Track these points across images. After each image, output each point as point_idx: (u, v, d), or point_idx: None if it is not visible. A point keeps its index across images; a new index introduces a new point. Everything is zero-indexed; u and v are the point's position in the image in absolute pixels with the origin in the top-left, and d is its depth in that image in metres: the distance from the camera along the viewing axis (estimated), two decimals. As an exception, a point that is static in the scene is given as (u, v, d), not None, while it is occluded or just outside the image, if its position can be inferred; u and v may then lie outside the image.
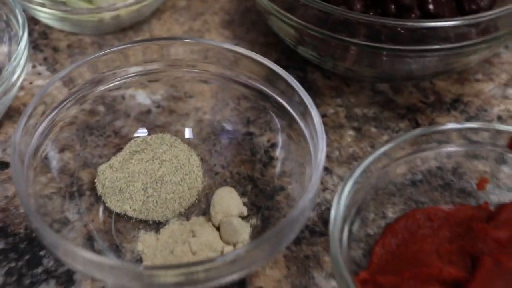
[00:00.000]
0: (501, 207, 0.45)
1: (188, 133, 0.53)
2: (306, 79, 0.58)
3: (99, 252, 0.46)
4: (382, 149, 0.46)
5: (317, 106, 0.47)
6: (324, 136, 0.45)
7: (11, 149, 0.44)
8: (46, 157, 0.49)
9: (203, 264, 0.40)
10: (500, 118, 0.56)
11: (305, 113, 0.47)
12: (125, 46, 0.50)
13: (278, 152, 0.51)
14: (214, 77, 0.52)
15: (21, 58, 0.51)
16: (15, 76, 0.52)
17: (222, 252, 0.47)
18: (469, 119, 0.56)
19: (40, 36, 0.62)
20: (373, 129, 0.55)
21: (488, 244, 0.43)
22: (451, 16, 0.53)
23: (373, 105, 0.57)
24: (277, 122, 0.51)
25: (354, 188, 0.45)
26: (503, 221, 0.44)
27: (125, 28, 0.62)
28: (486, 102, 0.57)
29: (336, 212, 0.43)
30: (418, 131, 0.48)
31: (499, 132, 0.48)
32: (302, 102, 0.47)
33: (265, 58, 0.49)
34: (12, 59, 0.51)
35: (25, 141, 0.46)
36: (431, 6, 0.53)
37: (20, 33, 0.53)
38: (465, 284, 0.42)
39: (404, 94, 0.58)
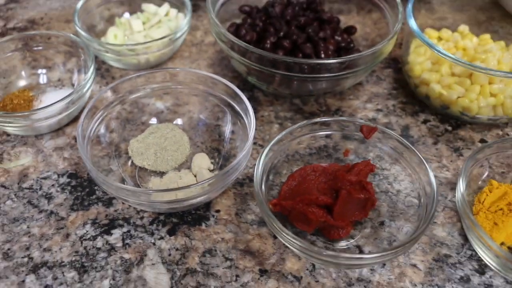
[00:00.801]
0: (354, 164, 0.46)
1: (182, 123, 0.55)
2: (253, 96, 0.60)
3: (127, 188, 0.48)
4: (288, 130, 0.48)
5: (258, 111, 0.49)
6: (254, 122, 0.47)
7: (77, 129, 0.46)
8: (99, 135, 0.50)
9: (183, 188, 0.42)
10: (361, 119, 0.57)
11: (246, 112, 0.49)
12: (150, 71, 0.52)
13: (232, 135, 0.52)
14: (201, 92, 0.53)
15: (89, 78, 0.54)
16: (86, 88, 0.53)
17: (196, 188, 0.48)
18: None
19: (105, 71, 0.63)
20: (289, 124, 0.56)
21: (345, 183, 0.44)
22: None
23: (290, 111, 0.58)
24: (233, 119, 0.52)
25: (270, 153, 0.47)
26: (354, 172, 0.45)
27: (153, 67, 0.64)
28: (354, 111, 0.58)
29: (258, 165, 0.45)
30: (312, 120, 0.49)
31: (359, 124, 0.50)
32: (246, 107, 0.49)
33: (230, 83, 0.51)
34: (85, 78, 0.53)
35: (86, 125, 0.48)
36: (322, 55, 0.55)
37: (90, 65, 0.54)
38: (332, 206, 0.45)
39: (309, 105, 0.59)
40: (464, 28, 0.64)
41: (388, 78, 0.63)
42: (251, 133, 0.46)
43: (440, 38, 0.63)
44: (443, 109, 0.57)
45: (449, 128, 0.57)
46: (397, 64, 0.65)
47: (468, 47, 0.60)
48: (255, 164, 0.52)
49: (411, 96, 0.60)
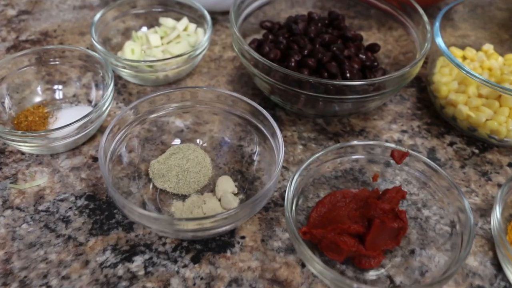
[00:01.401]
0: (385, 191, 0.46)
1: (204, 143, 0.53)
2: (275, 115, 0.58)
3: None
4: (316, 155, 0.46)
5: (280, 131, 0.47)
6: (283, 147, 0.45)
7: (99, 148, 0.44)
8: (120, 155, 0.48)
9: (209, 218, 0.40)
10: (386, 141, 0.56)
11: (274, 134, 0.47)
12: (170, 91, 0.50)
13: (256, 157, 0.51)
14: (221, 111, 0.52)
15: (108, 96, 0.52)
16: (105, 106, 0.52)
17: (221, 214, 0.47)
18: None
19: (122, 87, 0.61)
20: (313, 145, 0.55)
21: (378, 212, 0.43)
22: (359, 79, 0.54)
23: (314, 131, 0.57)
24: (257, 139, 0.50)
25: (299, 178, 0.45)
26: (386, 199, 0.44)
27: (171, 83, 0.62)
28: (379, 132, 0.57)
29: (289, 190, 0.44)
30: (338, 145, 0.48)
31: (386, 147, 0.49)
32: (271, 128, 0.47)
33: (252, 101, 0.49)
34: (104, 97, 0.51)
35: (108, 145, 0.46)
36: (348, 75, 0.54)
37: (109, 82, 0.53)
38: (364, 236, 0.43)
39: (332, 125, 0.57)
40: (488, 47, 0.63)
41: (411, 97, 0.62)
42: (280, 157, 0.44)
43: (464, 57, 0.61)
44: (470, 131, 0.56)
45: (476, 151, 0.56)
46: (420, 83, 0.63)
47: (494, 67, 0.59)
48: (279, 187, 0.51)
49: (435, 116, 0.59)
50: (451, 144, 0.56)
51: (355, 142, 0.48)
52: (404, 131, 0.57)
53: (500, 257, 0.45)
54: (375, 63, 0.58)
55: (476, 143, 0.56)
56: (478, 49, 0.64)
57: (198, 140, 0.53)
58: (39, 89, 0.58)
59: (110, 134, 0.46)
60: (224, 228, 0.42)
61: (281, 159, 0.44)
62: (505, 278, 0.45)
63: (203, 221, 0.40)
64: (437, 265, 0.44)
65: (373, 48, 0.60)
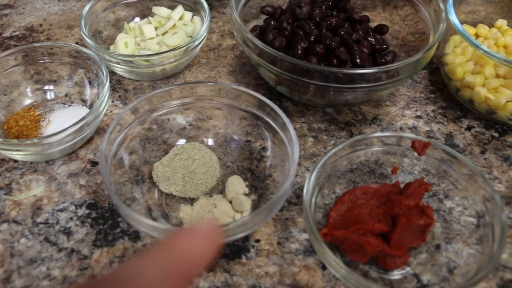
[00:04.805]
0: (407, 185, 0.43)
1: (209, 141, 0.50)
2: (282, 107, 0.55)
3: (155, 219, 0.44)
4: (332, 151, 0.44)
5: (289, 123, 0.45)
6: (297, 143, 0.42)
7: (100, 153, 0.42)
8: (121, 158, 0.45)
9: (222, 227, 0.37)
10: (401, 129, 0.53)
11: (284, 127, 0.44)
12: (169, 88, 0.47)
13: (267, 153, 0.48)
14: (225, 106, 0.49)
15: (105, 96, 0.48)
16: (101, 107, 0.48)
17: (233, 218, 0.44)
18: (383, 130, 0.53)
19: (117, 83, 0.58)
20: (325, 137, 0.52)
21: (402, 209, 0.40)
22: (370, 66, 0.51)
23: (324, 122, 0.54)
24: (266, 133, 0.47)
25: (317, 176, 0.42)
26: (410, 194, 0.42)
27: (168, 76, 0.59)
28: (392, 119, 0.54)
29: (307, 190, 0.41)
30: (353, 139, 0.45)
31: (401, 137, 0.46)
32: (282, 121, 0.44)
33: (257, 93, 0.46)
34: (100, 97, 0.48)
35: (108, 148, 0.43)
36: (358, 60, 0.50)
37: (104, 81, 0.50)
38: (388, 235, 0.41)
39: (343, 115, 0.55)
40: (502, 22, 0.59)
41: (424, 80, 0.58)
42: (295, 153, 0.41)
43: (477, 35, 0.58)
44: (489, 114, 0.53)
45: (496, 134, 0.53)
46: (431, 65, 0.60)
47: (509, 44, 0.56)
48: (293, 184, 0.48)
49: (450, 99, 0.56)
50: (468, 128, 0.53)
51: (370, 135, 0.45)
52: (418, 117, 0.54)
53: (531, 248, 0.42)
54: (384, 46, 0.55)
55: (495, 126, 0.54)
56: (490, 25, 0.60)
57: (202, 138, 0.50)
58: (28, 90, 0.54)
59: (110, 136, 0.43)
60: (237, 236, 0.39)
61: (296, 155, 0.41)
62: (536, 270, 0.42)
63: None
64: (466, 261, 0.41)
65: (382, 29, 0.57)
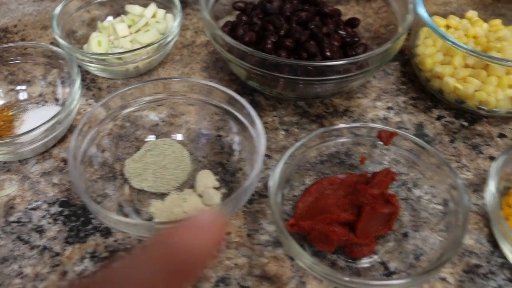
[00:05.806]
0: (374, 174, 0.44)
1: (181, 137, 0.50)
2: (254, 101, 0.55)
3: (126, 215, 0.44)
4: (300, 142, 0.44)
5: (261, 117, 0.45)
6: (264, 136, 0.42)
7: (68, 151, 0.42)
8: (92, 156, 0.46)
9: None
10: (372, 120, 0.54)
11: (252, 122, 0.45)
12: (142, 84, 0.47)
13: (237, 147, 0.49)
14: (197, 101, 0.49)
15: (76, 94, 0.49)
16: (73, 105, 0.49)
17: (203, 211, 0.44)
18: (354, 121, 0.53)
19: (91, 81, 0.58)
20: (296, 130, 0.53)
21: (367, 198, 0.41)
22: (340, 58, 0.51)
23: (295, 115, 0.54)
24: (236, 128, 0.48)
25: (284, 167, 0.43)
26: (376, 183, 0.42)
27: (142, 74, 0.59)
28: (364, 111, 0.55)
29: (273, 180, 0.41)
30: (322, 129, 0.46)
31: (371, 128, 0.46)
32: (250, 116, 0.45)
33: (228, 89, 0.47)
34: (70, 95, 0.48)
35: (78, 147, 0.43)
36: (328, 53, 0.51)
37: (76, 79, 0.50)
38: (354, 224, 0.41)
39: (314, 107, 0.55)
40: (472, 13, 0.60)
41: (395, 72, 0.59)
42: (262, 146, 0.42)
43: (448, 26, 0.59)
44: (458, 103, 0.53)
45: (465, 123, 0.54)
46: (403, 56, 0.61)
47: (479, 34, 0.56)
48: (263, 177, 0.48)
49: (421, 90, 0.57)
50: (439, 118, 0.54)
51: (340, 125, 0.46)
52: (389, 108, 0.55)
53: (496, 233, 0.43)
54: (356, 39, 0.56)
55: (465, 115, 0.54)
56: (461, 16, 0.61)
57: (174, 134, 0.50)
58: (1, 91, 0.54)
59: (80, 134, 0.43)
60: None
61: (263, 148, 0.42)
62: (501, 255, 0.43)
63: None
64: (433, 247, 0.42)
65: (353, 22, 0.57)
